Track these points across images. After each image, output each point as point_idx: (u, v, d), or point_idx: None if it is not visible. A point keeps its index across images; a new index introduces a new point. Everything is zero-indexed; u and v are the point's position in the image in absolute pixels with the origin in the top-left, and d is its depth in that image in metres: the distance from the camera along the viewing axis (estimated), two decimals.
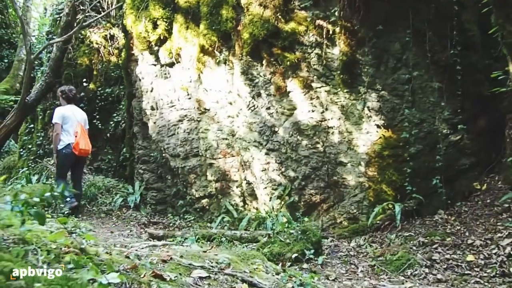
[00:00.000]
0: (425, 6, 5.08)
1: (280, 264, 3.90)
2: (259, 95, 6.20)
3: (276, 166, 6.16)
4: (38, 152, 9.62)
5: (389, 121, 5.32)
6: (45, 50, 9.81)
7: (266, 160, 6.23)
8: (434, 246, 4.36)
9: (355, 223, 5.46)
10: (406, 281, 3.77)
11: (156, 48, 7.33)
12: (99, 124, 9.35)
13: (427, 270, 3.94)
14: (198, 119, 7.06)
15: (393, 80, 5.28)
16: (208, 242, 5.26)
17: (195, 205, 7.17)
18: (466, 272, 3.86)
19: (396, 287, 3.58)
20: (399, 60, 5.24)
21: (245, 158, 6.49)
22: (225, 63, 6.50)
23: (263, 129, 6.24)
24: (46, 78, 9.14)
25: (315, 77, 5.73)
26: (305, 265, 4.17)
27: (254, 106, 6.28)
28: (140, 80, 7.91)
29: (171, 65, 7.28)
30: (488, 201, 4.95)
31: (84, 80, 9.54)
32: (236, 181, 6.71)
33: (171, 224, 6.85)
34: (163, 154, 7.55)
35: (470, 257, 4.08)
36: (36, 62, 10.94)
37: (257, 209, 6.48)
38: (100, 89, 9.58)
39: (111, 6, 9.71)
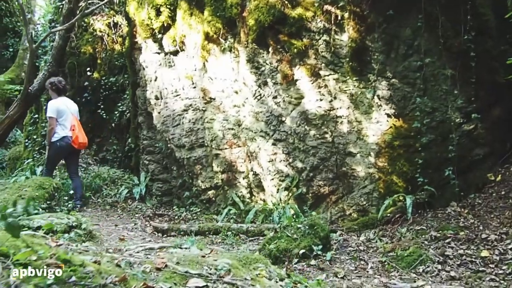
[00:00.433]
0: None
1: (286, 266, 3.78)
2: (265, 83, 6.02)
3: (284, 156, 6.01)
4: (43, 142, 9.53)
5: (400, 110, 5.15)
6: (49, 38, 9.64)
7: (273, 150, 6.08)
8: (447, 241, 4.23)
9: (365, 216, 5.32)
10: (418, 279, 3.64)
11: (159, 35, 7.16)
12: (104, 114, 9.23)
13: (439, 267, 3.80)
14: (203, 108, 6.91)
15: (404, 68, 5.10)
16: (211, 241, 5.17)
17: (201, 196, 7.06)
18: (480, 269, 3.73)
19: (407, 285, 3.45)
20: (410, 46, 5.05)
21: (251, 149, 6.35)
22: (230, 50, 6.31)
23: (269, 118, 6.08)
24: (49, 67, 8.98)
25: (323, 64, 5.54)
26: (312, 262, 4.04)
27: (260, 95, 6.11)
28: (144, 69, 7.75)
29: (175, 53, 7.11)
30: (503, 193, 4.80)
31: (88, 69, 9.37)
32: (243, 172, 6.58)
33: (176, 217, 6.74)
34: (168, 145, 7.43)
35: (484, 253, 3.94)
36: (40, 51, 10.79)
37: (264, 200, 6.35)
38: (104, 78, 9.42)
39: None
